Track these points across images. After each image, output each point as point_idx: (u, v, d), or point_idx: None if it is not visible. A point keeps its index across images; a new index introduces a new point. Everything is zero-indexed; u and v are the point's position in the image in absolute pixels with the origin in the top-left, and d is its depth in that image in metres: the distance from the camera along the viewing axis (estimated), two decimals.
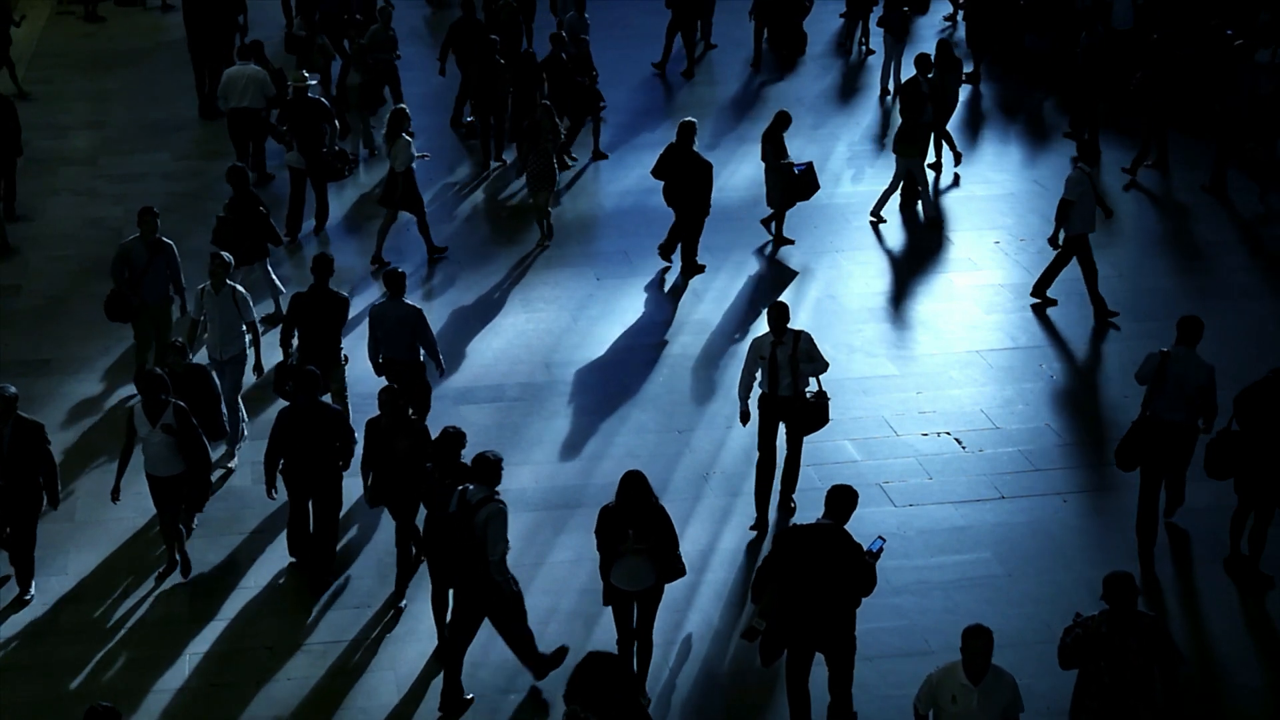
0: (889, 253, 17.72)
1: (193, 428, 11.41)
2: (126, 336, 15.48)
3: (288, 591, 11.62)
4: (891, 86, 23.21)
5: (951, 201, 19.19)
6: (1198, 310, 15.68)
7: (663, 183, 16.91)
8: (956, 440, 13.71)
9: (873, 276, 17.11)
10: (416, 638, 11.13)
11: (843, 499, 9.69)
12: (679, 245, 17.09)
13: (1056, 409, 14.26)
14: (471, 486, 10.08)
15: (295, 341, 13.23)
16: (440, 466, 10.57)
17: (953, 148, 20.15)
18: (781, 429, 12.37)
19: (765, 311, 12.21)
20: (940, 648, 11.00)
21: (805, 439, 12.54)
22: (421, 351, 12.94)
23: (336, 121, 18.63)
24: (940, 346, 15.49)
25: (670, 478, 13.09)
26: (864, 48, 25.61)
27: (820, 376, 12.25)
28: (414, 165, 17.09)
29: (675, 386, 14.67)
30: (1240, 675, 10.82)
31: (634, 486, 9.95)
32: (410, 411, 11.39)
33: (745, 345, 15.34)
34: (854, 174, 20.18)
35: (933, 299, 16.57)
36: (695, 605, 11.49)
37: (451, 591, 10.49)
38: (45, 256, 16.99)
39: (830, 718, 10.07)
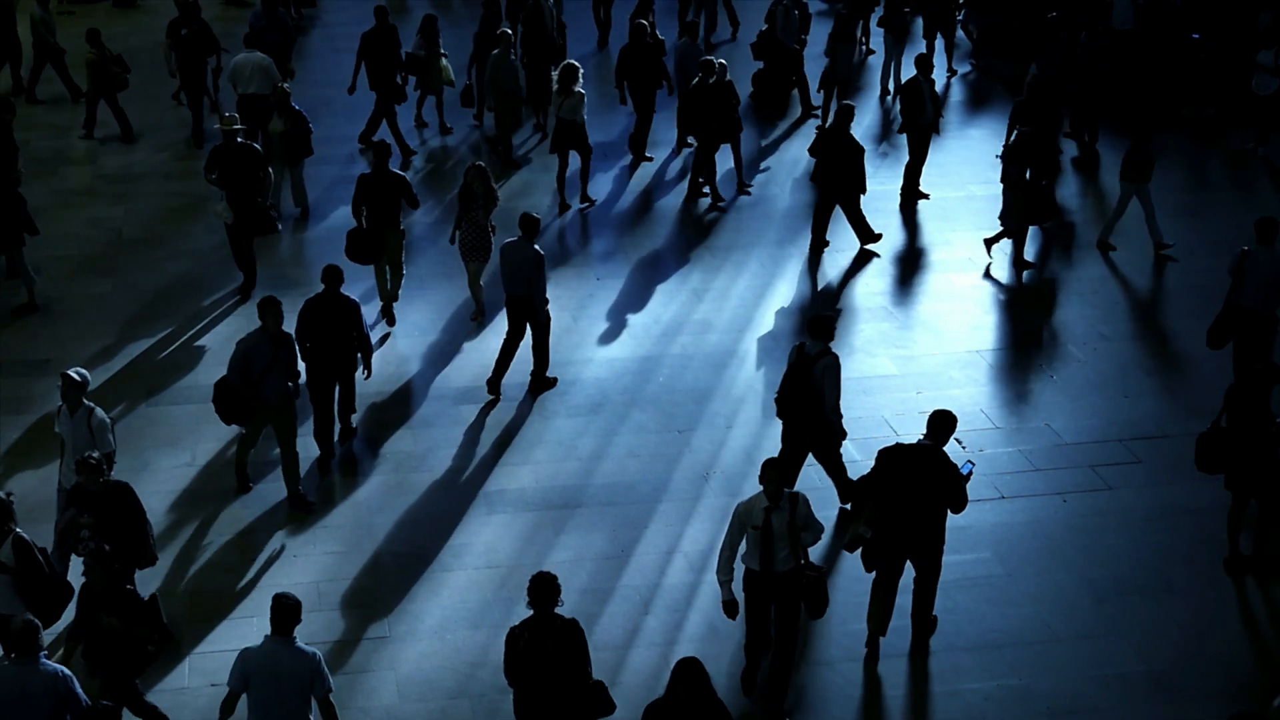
0: (889, 253, 17.72)
1: (35, 566, 9.65)
2: (128, 336, 15.51)
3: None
4: (891, 86, 23.21)
5: (951, 201, 19.20)
6: (1199, 309, 15.79)
7: (814, 161, 17.81)
8: (957, 440, 13.70)
9: (873, 276, 17.11)
10: (416, 638, 11.13)
11: (943, 422, 10.48)
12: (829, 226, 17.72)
13: (1056, 409, 14.26)
14: (808, 342, 11.95)
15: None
16: (537, 611, 9.05)
17: (806, 100, 21.64)
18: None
19: (759, 472, 10.14)
20: (940, 647, 11.02)
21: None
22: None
23: (271, 170, 16.62)
24: (940, 346, 15.49)
25: (670, 478, 13.10)
26: (864, 48, 25.59)
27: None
28: (583, 118, 18.47)
29: (675, 386, 14.66)
30: (1240, 676, 10.82)
31: (692, 680, 8.18)
32: (129, 584, 9.68)
33: (746, 344, 15.39)
34: None
35: (933, 299, 16.57)
36: (695, 605, 11.49)
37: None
38: (45, 256, 16.97)
39: (914, 617, 10.93)
